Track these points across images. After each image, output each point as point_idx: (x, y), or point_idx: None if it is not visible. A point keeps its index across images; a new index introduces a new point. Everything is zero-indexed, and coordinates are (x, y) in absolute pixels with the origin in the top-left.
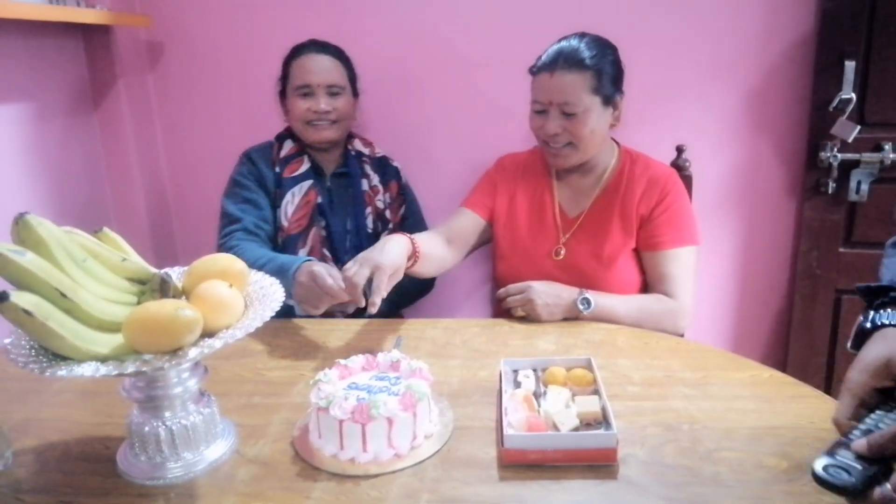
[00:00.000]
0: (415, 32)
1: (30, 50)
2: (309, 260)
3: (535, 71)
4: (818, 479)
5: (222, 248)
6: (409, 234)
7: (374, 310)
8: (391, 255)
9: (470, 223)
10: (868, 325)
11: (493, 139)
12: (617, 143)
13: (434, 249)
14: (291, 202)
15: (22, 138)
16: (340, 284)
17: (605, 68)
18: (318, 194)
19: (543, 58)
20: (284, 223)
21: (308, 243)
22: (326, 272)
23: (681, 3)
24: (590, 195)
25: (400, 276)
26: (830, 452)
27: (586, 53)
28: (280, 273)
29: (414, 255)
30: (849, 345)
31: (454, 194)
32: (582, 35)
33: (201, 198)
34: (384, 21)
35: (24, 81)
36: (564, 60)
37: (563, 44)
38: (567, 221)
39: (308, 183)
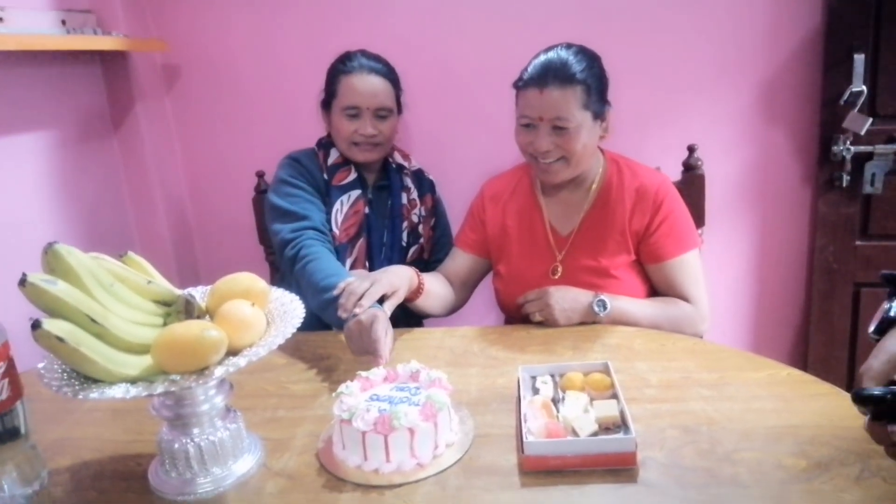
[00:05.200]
0: (434, 44)
1: (48, 79)
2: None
3: (521, 85)
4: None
5: (293, 246)
6: (416, 269)
7: (359, 310)
8: (391, 273)
9: (464, 263)
10: (892, 314)
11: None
12: (602, 150)
13: (438, 288)
14: (340, 210)
15: (44, 167)
16: (385, 353)
17: (593, 82)
18: (366, 205)
19: (530, 70)
20: (336, 231)
21: (354, 254)
22: (384, 331)
23: (688, 2)
24: (580, 210)
25: (400, 298)
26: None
27: (576, 67)
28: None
29: (419, 289)
30: (871, 329)
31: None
32: (568, 46)
33: (222, 217)
34: (403, 37)
35: (45, 110)
36: (554, 75)
37: (551, 55)
38: (560, 240)
39: (356, 192)
